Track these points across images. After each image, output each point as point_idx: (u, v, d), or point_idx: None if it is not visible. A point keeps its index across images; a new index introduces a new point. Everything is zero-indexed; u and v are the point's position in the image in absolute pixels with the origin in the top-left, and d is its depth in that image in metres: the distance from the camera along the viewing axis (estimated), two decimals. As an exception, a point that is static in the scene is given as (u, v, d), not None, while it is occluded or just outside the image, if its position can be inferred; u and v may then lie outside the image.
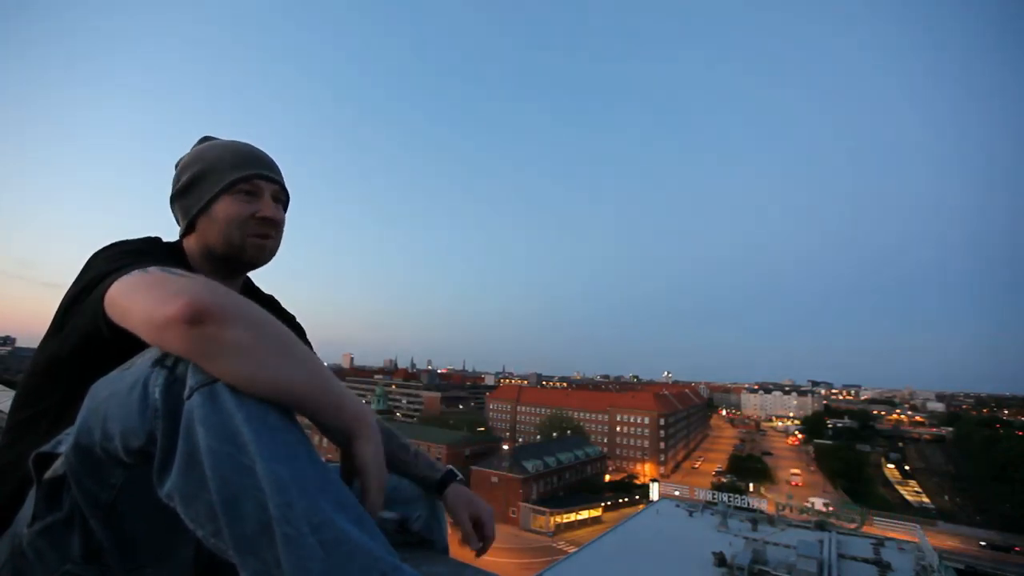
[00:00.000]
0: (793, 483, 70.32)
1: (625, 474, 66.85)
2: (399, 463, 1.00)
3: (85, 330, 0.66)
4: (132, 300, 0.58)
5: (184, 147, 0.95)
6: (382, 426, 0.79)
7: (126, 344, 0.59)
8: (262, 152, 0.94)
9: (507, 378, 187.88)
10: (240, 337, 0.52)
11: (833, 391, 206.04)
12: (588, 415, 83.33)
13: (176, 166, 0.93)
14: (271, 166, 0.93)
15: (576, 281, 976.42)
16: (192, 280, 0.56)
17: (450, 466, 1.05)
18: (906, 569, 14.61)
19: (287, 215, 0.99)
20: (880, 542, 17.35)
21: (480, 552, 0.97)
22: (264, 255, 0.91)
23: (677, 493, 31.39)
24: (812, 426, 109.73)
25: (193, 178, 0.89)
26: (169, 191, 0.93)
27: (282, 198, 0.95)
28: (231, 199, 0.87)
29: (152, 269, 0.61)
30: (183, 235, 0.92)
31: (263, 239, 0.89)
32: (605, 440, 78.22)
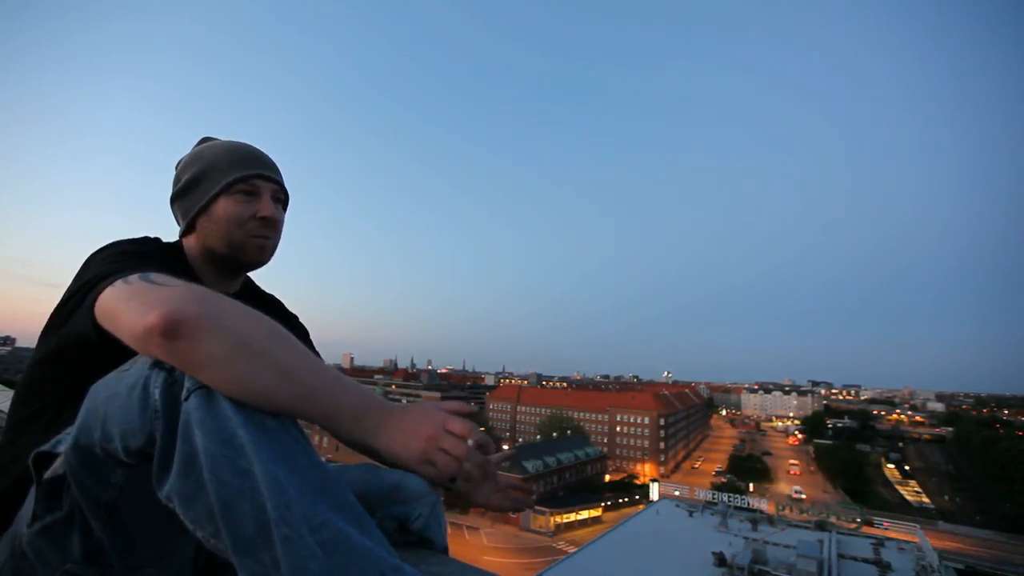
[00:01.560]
0: (792, 472, 75.23)
1: (625, 474, 66.81)
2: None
3: (79, 333, 0.67)
4: (117, 310, 0.59)
5: (184, 147, 0.96)
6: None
7: (122, 345, 0.59)
8: (261, 152, 0.94)
9: (507, 378, 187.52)
10: (212, 348, 0.52)
11: (833, 391, 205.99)
12: (588, 415, 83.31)
13: (176, 167, 0.94)
14: (270, 166, 0.93)
15: (576, 281, 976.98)
16: (171, 291, 0.56)
17: None
18: (906, 569, 14.62)
19: (287, 215, 1.00)
20: (880, 542, 17.36)
21: (527, 501, 0.91)
22: (264, 255, 0.91)
23: (677, 493, 31.41)
24: (812, 426, 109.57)
25: (192, 179, 0.89)
26: (169, 192, 0.94)
27: (281, 198, 0.95)
28: (231, 199, 0.87)
29: (133, 278, 0.61)
30: (183, 235, 0.92)
31: (263, 239, 0.90)
32: (605, 440, 78.21)
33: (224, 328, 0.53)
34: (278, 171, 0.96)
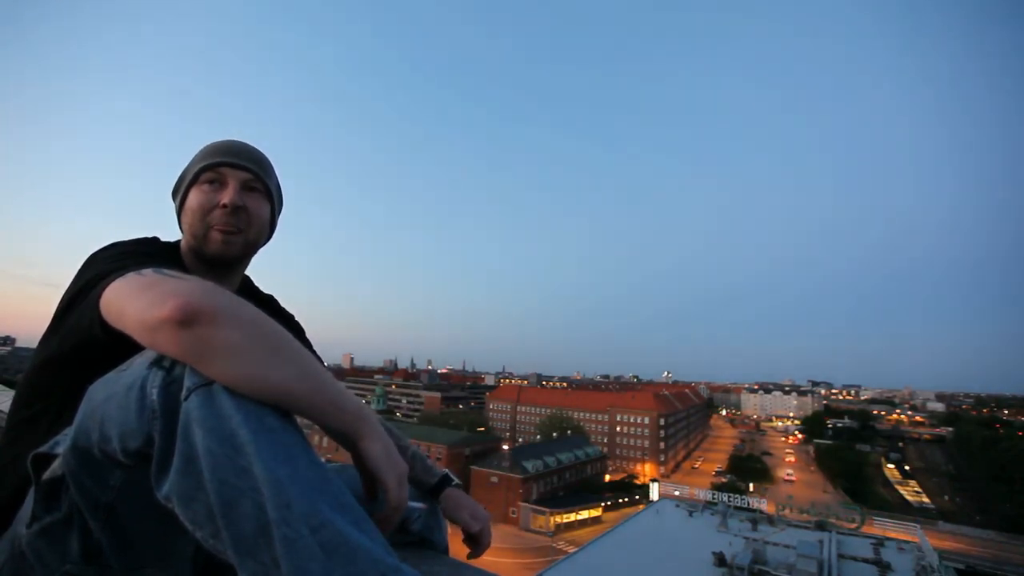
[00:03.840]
0: (787, 461, 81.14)
1: (625, 474, 66.74)
2: None
3: (82, 331, 0.66)
4: (126, 302, 0.58)
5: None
6: (383, 425, 0.79)
7: (123, 345, 0.58)
8: (243, 145, 0.90)
9: (507, 378, 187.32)
10: (232, 338, 0.51)
11: (833, 391, 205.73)
12: (588, 415, 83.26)
13: None
14: (243, 155, 0.89)
15: (576, 281, 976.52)
16: (186, 281, 0.56)
17: (446, 470, 1.05)
18: (906, 569, 14.61)
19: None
20: (880, 542, 17.35)
21: (473, 555, 0.97)
22: (231, 248, 0.87)
23: (677, 493, 31.38)
24: (812, 426, 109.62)
25: (177, 179, 0.91)
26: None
27: (258, 187, 0.90)
28: (197, 190, 0.86)
29: (146, 271, 0.61)
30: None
31: (229, 230, 0.86)
32: (605, 440, 78.14)
33: (242, 319, 0.53)
34: (258, 161, 0.91)
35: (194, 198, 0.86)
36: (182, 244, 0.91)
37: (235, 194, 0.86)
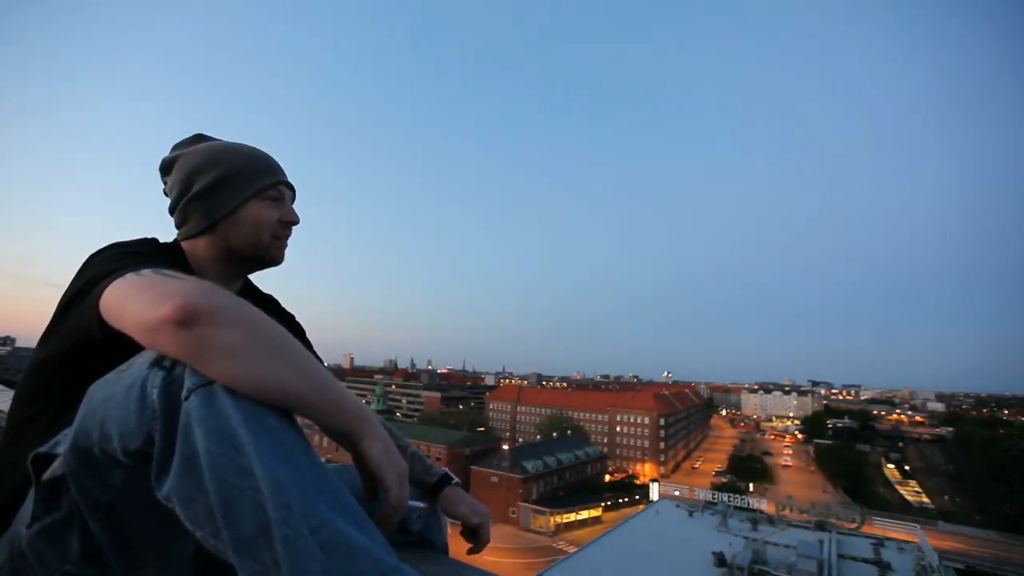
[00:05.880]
0: (785, 453, 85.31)
1: (625, 474, 66.79)
2: None
3: (81, 331, 0.66)
4: (126, 302, 0.58)
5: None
6: (383, 425, 0.79)
7: (122, 345, 0.59)
8: (276, 161, 0.98)
9: (507, 378, 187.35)
10: (232, 338, 0.52)
11: (833, 391, 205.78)
12: (588, 415, 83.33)
13: (167, 168, 0.92)
14: (284, 173, 0.97)
15: (576, 281, 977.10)
16: (185, 281, 0.56)
17: (445, 469, 1.05)
18: (906, 569, 14.62)
19: None
20: (880, 542, 17.36)
21: (474, 551, 0.98)
22: (282, 255, 0.96)
23: (677, 493, 31.41)
24: (812, 426, 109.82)
25: (218, 180, 0.88)
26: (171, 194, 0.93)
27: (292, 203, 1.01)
28: (262, 204, 0.90)
29: (146, 271, 0.61)
30: (195, 235, 0.89)
31: (283, 241, 0.95)
32: (605, 440, 78.21)
33: (242, 319, 0.54)
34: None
35: (261, 211, 0.90)
36: (201, 246, 0.90)
37: (294, 212, 0.96)
